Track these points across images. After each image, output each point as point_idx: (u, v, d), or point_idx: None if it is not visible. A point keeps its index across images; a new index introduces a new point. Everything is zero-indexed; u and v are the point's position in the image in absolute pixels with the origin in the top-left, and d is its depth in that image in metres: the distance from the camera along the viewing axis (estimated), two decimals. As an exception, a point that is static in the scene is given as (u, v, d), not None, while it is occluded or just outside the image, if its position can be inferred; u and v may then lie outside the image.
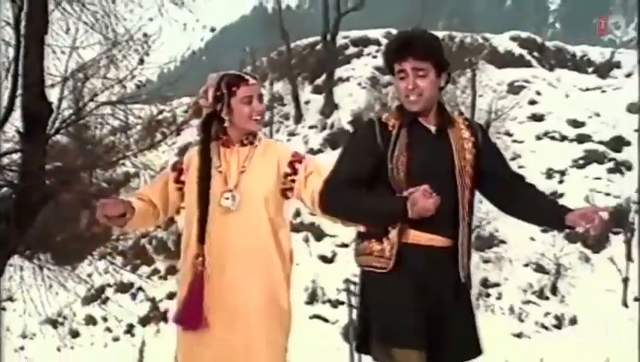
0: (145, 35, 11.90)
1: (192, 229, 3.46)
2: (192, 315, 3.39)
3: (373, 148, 3.37)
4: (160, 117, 13.93)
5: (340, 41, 45.64)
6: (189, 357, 3.45)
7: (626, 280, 28.65)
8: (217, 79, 3.55)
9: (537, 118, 39.95)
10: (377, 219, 3.34)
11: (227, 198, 3.41)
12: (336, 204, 3.37)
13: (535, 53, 46.43)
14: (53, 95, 10.92)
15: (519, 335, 29.29)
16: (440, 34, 47.27)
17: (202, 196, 3.43)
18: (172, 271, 39.29)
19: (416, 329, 3.25)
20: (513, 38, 47.10)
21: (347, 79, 44.81)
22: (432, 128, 3.46)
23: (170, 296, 37.37)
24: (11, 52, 10.56)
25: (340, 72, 44.64)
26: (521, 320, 30.29)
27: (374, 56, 47.42)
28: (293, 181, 3.50)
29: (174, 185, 3.58)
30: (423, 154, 3.38)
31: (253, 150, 3.52)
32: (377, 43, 48.41)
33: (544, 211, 3.46)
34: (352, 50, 47.55)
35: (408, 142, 3.38)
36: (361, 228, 3.44)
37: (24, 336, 29.33)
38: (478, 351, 3.43)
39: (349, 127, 41.24)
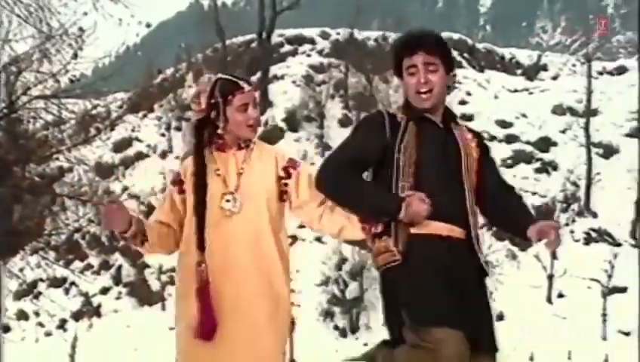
0: (80, 29, 11.87)
1: (191, 235, 3.42)
2: (207, 325, 3.32)
3: (381, 135, 3.40)
4: (94, 112, 13.89)
5: (275, 39, 45.63)
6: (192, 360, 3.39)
7: (550, 277, 29.32)
8: (211, 84, 3.51)
9: (467, 117, 40.41)
10: (370, 209, 3.35)
11: (228, 201, 3.38)
12: (334, 182, 3.36)
13: (466, 55, 47.06)
14: (-15, 88, 10.86)
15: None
16: (374, 34, 47.69)
17: (199, 203, 3.38)
18: (105, 266, 38.80)
19: (449, 308, 3.19)
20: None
21: (282, 77, 44.80)
22: (440, 124, 3.48)
23: (104, 291, 36.94)
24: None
25: (274, 69, 44.62)
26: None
27: (309, 55, 47.49)
28: (286, 185, 3.48)
29: (179, 196, 3.51)
30: (432, 146, 3.40)
31: (249, 153, 3.49)
32: (312, 42, 48.53)
33: (515, 223, 3.47)
34: (287, 48, 47.54)
35: (418, 134, 3.40)
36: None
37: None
38: (492, 345, 3.38)
39: (282, 125, 41.32)
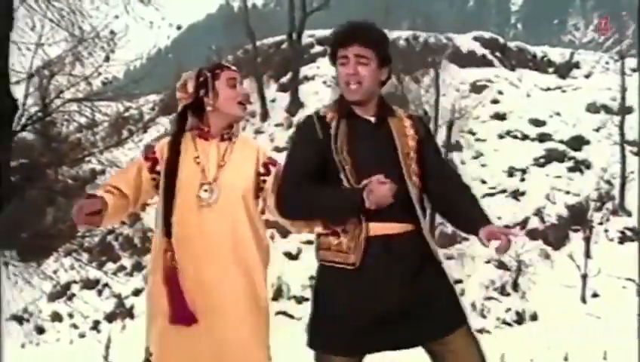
0: (111, 32, 11.94)
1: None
2: (181, 311, 3.32)
3: (315, 142, 3.40)
4: (126, 114, 14.00)
5: (305, 39, 45.64)
6: (169, 351, 3.38)
7: (584, 277, 29.03)
8: (196, 71, 3.54)
9: (499, 116, 40.22)
10: (335, 213, 3.34)
11: (205, 190, 3.35)
12: (293, 205, 3.36)
13: (497, 53, 46.74)
14: (18, 92, 10.95)
15: (481, 331, 29.54)
16: (404, 33, 47.50)
17: (168, 189, 3.37)
18: (138, 267, 39.01)
19: (356, 338, 3.28)
20: (476, 38, 47.37)
21: (312, 78, 44.80)
22: (372, 118, 3.48)
23: (136, 292, 37.14)
24: (-24, 49, 10.56)
25: (305, 70, 44.63)
26: (483, 316, 30.51)
27: (339, 55, 47.41)
28: (264, 181, 3.49)
29: (149, 175, 3.49)
30: (365, 143, 3.40)
31: (232, 145, 3.49)
32: (342, 42, 48.45)
33: (466, 220, 3.48)
34: (317, 48, 47.50)
35: (348, 133, 3.40)
36: (318, 229, 3.42)
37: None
38: (459, 320, 3.45)
39: (313, 126, 41.03)
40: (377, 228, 3.31)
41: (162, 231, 3.36)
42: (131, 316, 34.20)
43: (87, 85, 12.09)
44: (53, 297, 30.37)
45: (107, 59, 11.95)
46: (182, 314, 3.29)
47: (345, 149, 3.35)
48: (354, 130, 3.41)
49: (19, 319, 26.08)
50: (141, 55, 13.02)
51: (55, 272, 15.42)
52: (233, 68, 3.54)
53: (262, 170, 3.49)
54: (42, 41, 11.48)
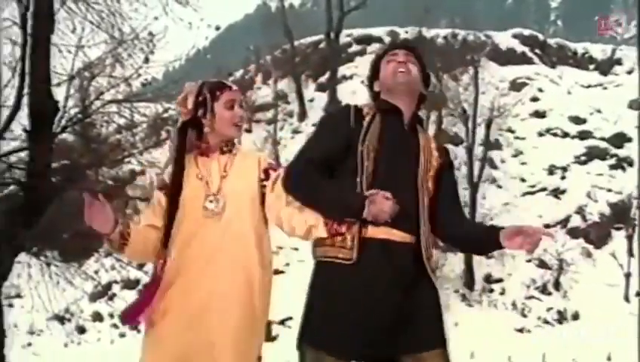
0: (150, 33, 12.00)
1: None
2: (135, 313, 3.35)
3: (345, 129, 3.44)
4: (165, 115, 14.05)
5: (343, 39, 45.64)
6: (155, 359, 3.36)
7: (627, 276, 28.70)
8: (198, 86, 3.58)
9: (539, 114, 39.91)
10: (334, 210, 3.36)
11: (211, 201, 3.39)
12: (299, 184, 3.41)
13: (537, 51, 46.39)
14: (59, 93, 11.03)
15: (522, 330, 29.35)
16: (443, 32, 47.29)
17: (172, 201, 3.41)
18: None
19: (352, 340, 3.27)
20: (515, 36, 47.06)
21: (351, 77, 44.78)
22: (406, 122, 3.53)
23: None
24: (18, 51, 10.70)
25: (343, 69, 44.62)
26: (524, 316, 30.31)
27: (377, 54, 47.38)
28: (264, 186, 3.49)
29: (165, 200, 3.51)
30: (394, 142, 3.45)
31: (232, 157, 3.52)
32: (380, 41, 48.35)
33: (482, 234, 3.50)
34: (355, 48, 47.50)
35: (381, 128, 3.44)
36: (318, 234, 3.40)
37: (31, 332, 29.48)
38: (439, 341, 3.42)
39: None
40: (378, 232, 3.34)
41: (161, 241, 3.40)
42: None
43: (126, 86, 12.15)
44: (94, 297, 30.66)
45: (146, 60, 12.01)
46: (132, 315, 3.33)
47: (373, 142, 3.40)
48: (387, 127, 3.47)
49: (60, 319, 26.39)
50: (180, 56, 13.10)
51: (96, 272, 15.56)
52: (234, 88, 3.60)
53: (262, 175, 3.52)
54: (82, 43, 11.58)
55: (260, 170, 3.51)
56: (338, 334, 3.28)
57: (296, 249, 28.20)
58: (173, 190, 3.42)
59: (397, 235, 3.36)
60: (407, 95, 3.56)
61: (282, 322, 25.35)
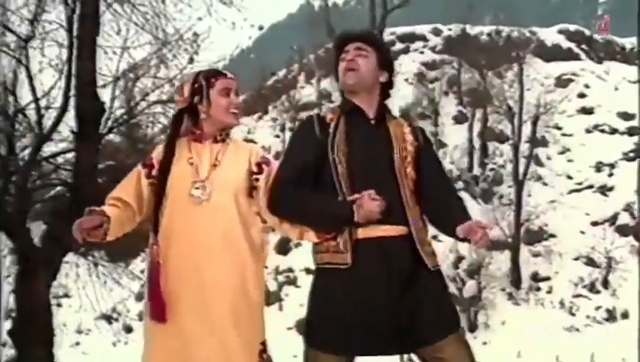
0: (194, 34, 12.03)
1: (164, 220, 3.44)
2: (157, 306, 3.35)
3: (313, 140, 3.44)
4: (209, 115, 14.09)
5: (386, 37, 45.47)
6: (156, 349, 3.39)
7: (678, 274, 28.24)
8: (194, 75, 3.61)
9: (587, 111, 39.50)
10: (325, 222, 3.39)
11: (197, 188, 3.40)
12: (285, 205, 3.42)
13: (583, 46, 45.90)
14: (105, 95, 11.12)
15: (570, 329, 29.05)
16: (487, 28, 46.97)
17: (160, 186, 3.43)
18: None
19: (353, 341, 3.30)
20: (561, 31, 46.61)
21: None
22: (371, 120, 3.52)
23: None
24: (64, 53, 10.80)
25: (386, 68, 44.50)
26: (572, 314, 30.00)
27: (421, 52, 47.21)
28: (257, 180, 3.51)
29: (146, 180, 3.54)
30: (362, 141, 3.43)
31: (225, 146, 3.54)
32: (424, 39, 48.19)
33: (447, 220, 3.44)
34: (398, 46, 47.36)
35: (347, 131, 3.44)
36: (310, 237, 3.43)
37: (79, 332, 29.85)
38: (451, 326, 3.42)
39: (396, 123, 41.06)
40: (371, 231, 3.34)
41: (151, 227, 3.44)
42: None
43: (171, 87, 12.20)
44: (141, 297, 30.85)
45: (191, 60, 12.04)
46: (158, 310, 3.33)
47: (342, 147, 3.41)
48: (352, 129, 3.47)
49: (108, 318, 26.65)
50: (224, 56, 13.09)
51: (143, 272, 15.63)
52: (230, 76, 3.61)
53: (255, 168, 3.52)
54: (127, 45, 11.65)
55: (251, 162, 3.52)
56: (337, 335, 3.31)
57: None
58: (161, 173, 3.44)
59: (390, 230, 3.36)
60: (364, 91, 3.54)
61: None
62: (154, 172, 3.52)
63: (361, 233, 3.33)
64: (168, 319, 3.32)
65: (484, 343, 29.04)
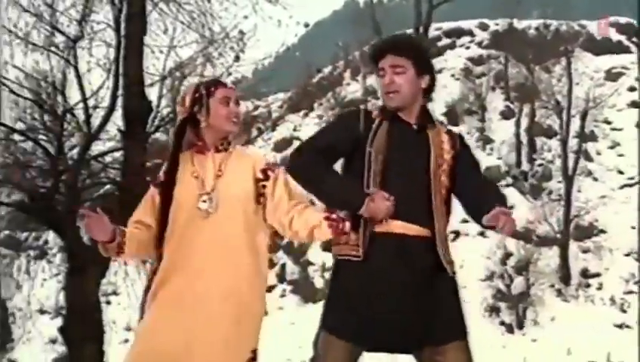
0: (240, 32, 12.06)
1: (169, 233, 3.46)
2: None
3: (354, 128, 3.50)
4: (255, 112, 14.10)
5: (432, 32, 45.20)
6: (149, 338, 3.40)
7: None
8: (195, 85, 3.64)
9: (637, 104, 38.92)
10: (333, 200, 3.44)
11: (204, 201, 3.42)
12: (305, 168, 3.49)
13: (634, 39, 45.20)
14: (152, 94, 11.22)
15: (621, 326, 28.67)
16: (535, 22, 46.51)
17: (164, 200, 3.46)
18: (269, 264, 39.56)
19: (363, 330, 3.36)
20: (611, 24, 45.96)
21: (440, 71, 44.40)
22: (413, 125, 3.56)
23: (268, 289, 37.37)
24: (112, 53, 10.91)
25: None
26: (623, 311, 29.61)
27: (468, 47, 46.92)
28: (264, 187, 3.52)
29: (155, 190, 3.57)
30: (402, 145, 3.49)
31: (227, 156, 3.55)
32: (470, 34, 47.87)
33: (477, 210, 3.46)
34: (444, 41, 47.15)
35: (389, 132, 3.48)
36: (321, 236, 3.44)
37: (128, 329, 30.13)
38: (458, 333, 3.46)
39: (443, 119, 40.90)
40: (395, 226, 3.41)
41: (154, 244, 3.46)
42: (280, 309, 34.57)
43: (218, 86, 12.29)
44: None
45: (237, 59, 12.07)
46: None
47: (381, 145, 3.46)
48: (394, 131, 3.52)
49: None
50: (270, 54, 13.12)
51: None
52: (229, 85, 3.68)
53: (260, 175, 3.53)
54: (174, 44, 11.73)
55: (255, 169, 3.54)
56: (349, 322, 3.38)
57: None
58: (166, 188, 3.47)
59: (413, 229, 3.41)
60: (406, 107, 3.57)
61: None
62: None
63: (386, 227, 3.39)
64: (167, 314, 3.36)
65: (533, 340, 28.79)
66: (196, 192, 3.44)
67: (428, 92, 3.64)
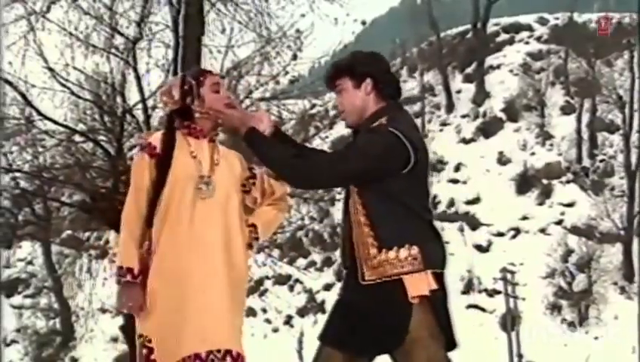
0: (297, 31, 12.08)
1: (172, 210, 3.46)
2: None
3: (401, 161, 3.42)
4: (313, 111, 14.09)
5: (490, 28, 44.91)
6: (165, 334, 3.41)
7: None
8: (180, 77, 3.64)
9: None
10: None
11: (206, 183, 3.46)
12: (326, 183, 3.92)
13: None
14: (210, 93, 11.29)
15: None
16: (594, 16, 45.76)
17: (159, 181, 3.46)
18: (328, 262, 39.64)
19: (336, 328, 3.49)
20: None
21: (498, 67, 44.05)
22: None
23: (327, 287, 37.77)
24: (170, 53, 11.01)
25: (490, 59, 43.91)
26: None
27: (527, 42, 46.39)
28: (254, 184, 3.63)
29: (151, 161, 3.52)
30: None
31: (217, 147, 3.60)
32: (529, 28, 47.32)
33: None
34: (503, 37, 46.69)
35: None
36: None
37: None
38: (398, 342, 3.39)
39: (501, 115, 40.50)
40: None
41: (145, 221, 3.47)
42: (323, 311, 34.79)
43: (274, 84, 12.29)
44: (247, 293, 31.43)
45: (295, 57, 12.08)
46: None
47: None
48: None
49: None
50: (327, 52, 13.09)
51: (248, 268, 15.84)
52: (216, 73, 3.75)
53: (248, 173, 3.65)
54: (232, 43, 11.78)
55: (243, 166, 3.64)
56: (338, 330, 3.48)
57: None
58: (162, 169, 3.46)
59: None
60: (359, 120, 3.55)
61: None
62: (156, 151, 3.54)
63: None
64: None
65: (596, 338, 28.42)
66: (195, 173, 3.47)
67: (382, 90, 3.54)
